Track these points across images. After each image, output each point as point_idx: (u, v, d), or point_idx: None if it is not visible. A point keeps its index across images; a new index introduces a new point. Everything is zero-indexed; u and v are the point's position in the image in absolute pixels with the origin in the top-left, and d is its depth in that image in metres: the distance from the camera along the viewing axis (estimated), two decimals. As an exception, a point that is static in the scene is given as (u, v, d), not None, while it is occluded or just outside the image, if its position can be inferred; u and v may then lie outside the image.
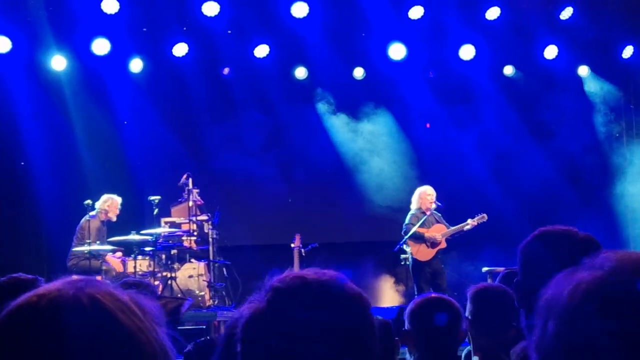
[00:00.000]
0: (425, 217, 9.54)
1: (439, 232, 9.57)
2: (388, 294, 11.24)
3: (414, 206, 9.73)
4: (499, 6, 10.91)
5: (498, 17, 10.96)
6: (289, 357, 1.36)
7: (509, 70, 11.71)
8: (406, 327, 3.10)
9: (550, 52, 11.44)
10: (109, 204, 9.67)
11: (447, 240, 9.62)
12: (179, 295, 9.48)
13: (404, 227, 9.59)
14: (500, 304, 3.33)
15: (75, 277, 1.16)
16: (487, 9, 10.92)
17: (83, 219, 9.50)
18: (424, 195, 9.66)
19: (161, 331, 1.12)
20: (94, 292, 1.09)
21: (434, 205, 9.63)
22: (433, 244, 9.52)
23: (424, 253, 9.51)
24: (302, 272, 1.45)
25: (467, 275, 10.09)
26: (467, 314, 3.40)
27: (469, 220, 9.62)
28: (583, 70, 11.78)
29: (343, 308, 1.40)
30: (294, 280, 1.42)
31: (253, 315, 1.40)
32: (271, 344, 1.36)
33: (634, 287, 1.09)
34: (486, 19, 10.99)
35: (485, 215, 9.64)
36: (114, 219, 9.72)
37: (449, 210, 10.08)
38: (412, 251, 9.49)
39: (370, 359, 1.43)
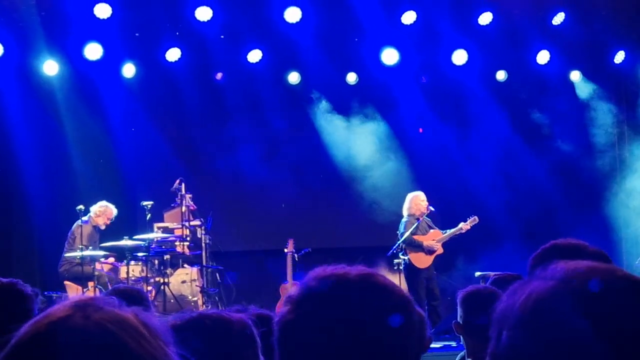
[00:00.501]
0: (418, 222, 9.55)
1: (435, 237, 9.59)
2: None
3: (406, 213, 9.72)
4: (491, 11, 10.94)
5: (490, 22, 10.99)
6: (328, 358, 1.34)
7: (501, 75, 11.73)
8: None
9: (543, 57, 11.48)
10: (102, 210, 9.63)
11: (442, 246, 9.65)
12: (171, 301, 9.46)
13: (399, 235, 9.58)
14: (490, 305, 3.32)
15: (81, 296, 1.15)
16: (480, 14, 10.95)
17: (75, 224, 9.47)
18: (418, 201, 9.66)
19: (171, 351, 1.12)
20: (102, 318, 1.08)
21: (427, 210, 9.64)
22: (430, 250, 9.53)
23: (423, 260, 9.51)
24: (341, 269, 1.41)
25: (461, 281, 10.08)
26: (458, 318, 3.40)
27: (462, 224, 9.64)
28: (575, 75, 11.82)
29: (387, 308, 1.38)
30: (334, 279, 1.39)
31: (291, 314, 1.37)
32: (310, 344, 1.33)
33: (583, 296, 1.11)
34: (479, 24, 11.02)
35: (476, 217, 9.67)
36: (103, 227, 9.66)
37: (443, 216, 10.09)
38: (410, 258, 9.48)
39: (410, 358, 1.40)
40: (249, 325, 1.89)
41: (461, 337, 3.44)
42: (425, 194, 9.84)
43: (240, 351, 1.84)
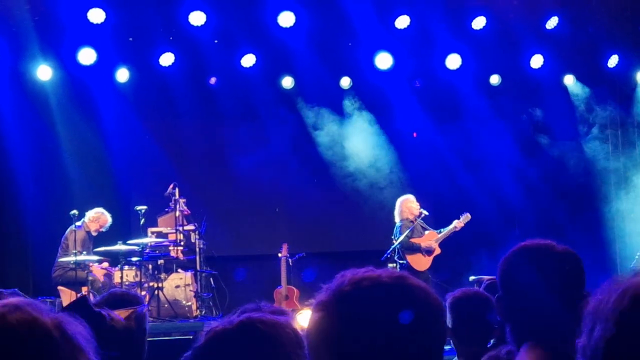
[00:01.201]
0: (413, 225, 9.54)
1: (432, 238, 9.59)
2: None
3: (398, 218, 9.69)
4: (485, 15, 10.95)
5: (484, 26, 11.00)
6: None
7: (495, 79, 11.75)
8: None
9: (536, 61, 11.49)
10: (96, 217, 9.60)
11: (439, 247, 9.65)
12: (165, 306, 9.43)
13: (394, 240, 9.55)
14: (479, 309, 3.31)
15: (10, 300, 1.15)
16: (473, 18, 10.96)
17: (68, 230, 9.44)
18: (409, 204, 9.65)
19: (83, 357, 1.13)
20: (17, 321, 1.09)
21: (421, 213, 9.62)
22: (428, 251, 9.53)
23: (422, 262, 9.50)
24: (372, 272, 1.39)
25: (457, 285, 10.08)
26: (447, 323, 3.39)
27: (455, 222, 9.64)
28: (569, 79, 11.84)
29: (423, 311, 1.37)
30: (368, 282, 1.37)
31: (325, 320, 1.35)
32: (345, 348, 1.32)
33: None
34: (472, 29, 11.03)
35: (468, 214, 9.68)
36: (94, 233, 9.63)
37: (438, 220, 10.09)
38: (409, 261, 9.46)
39: None
40: (295, 327, 1.85)
41: (451, 342, 3.43)
42: (420, 197, 9.83)
43: (293, 354, 1.79)
